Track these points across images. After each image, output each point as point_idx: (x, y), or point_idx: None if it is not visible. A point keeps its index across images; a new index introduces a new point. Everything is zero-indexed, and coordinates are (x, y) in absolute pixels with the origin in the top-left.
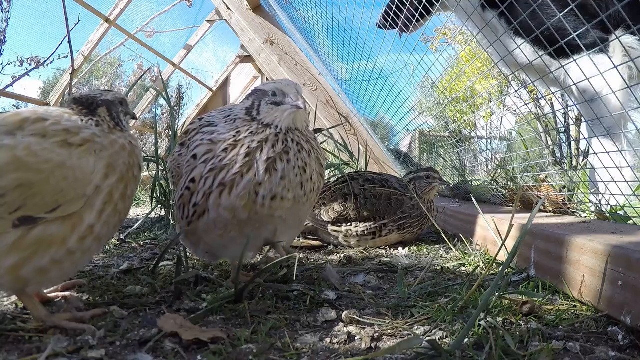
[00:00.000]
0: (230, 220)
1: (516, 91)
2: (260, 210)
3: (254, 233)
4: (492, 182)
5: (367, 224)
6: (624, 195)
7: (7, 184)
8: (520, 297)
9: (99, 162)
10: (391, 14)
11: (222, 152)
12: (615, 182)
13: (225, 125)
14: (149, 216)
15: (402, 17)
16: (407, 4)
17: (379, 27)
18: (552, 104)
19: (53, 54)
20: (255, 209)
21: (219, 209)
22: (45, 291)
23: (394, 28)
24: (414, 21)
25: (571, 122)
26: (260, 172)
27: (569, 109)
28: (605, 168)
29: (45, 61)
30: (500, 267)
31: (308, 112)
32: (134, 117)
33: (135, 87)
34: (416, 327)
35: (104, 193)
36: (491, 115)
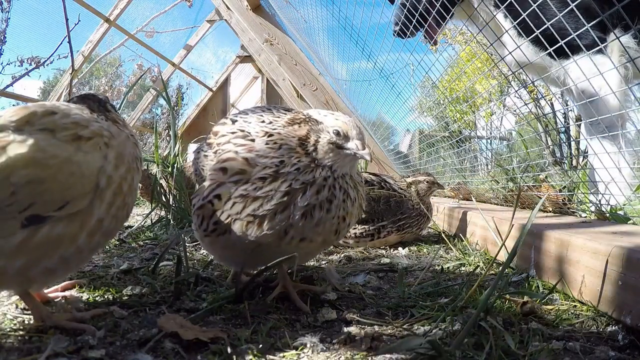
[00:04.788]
0: (252, 248)
1: (516, 91)
2: (286, 248)
3: (273, 257)
4: (492, 182)
5: (365, 226)
6: (624, 195)
7: (18, 180)
8: (520, 297)
9: (110, 152)
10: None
11: (258, 180)
12: (615, 182)
13: (265, 146)
14: (149, 216)
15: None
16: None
17: (398, 35)
18: (552, 104)
19: (53, 54)
20: (281, 245)
21: (242, 236)
22: (45, 291)
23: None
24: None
25: (571, 122)
26: (295, 217)
27: (569, 108)
28: (605, 168)
29: (45, 61)
30: (500, 267)
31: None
32: None
33: (135, 87)
34: (416, 327)
35: (115, 184)
36: (491, 115)
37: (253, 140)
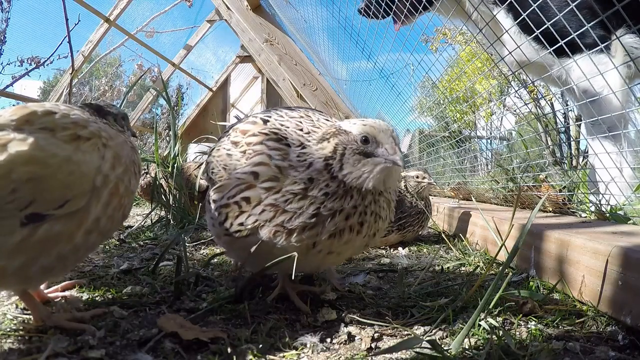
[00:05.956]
0: (275, 253)
1: (516, 91)
2: (313, 258)
3: (298, 264)
4: (492, 182)
5: None
6: (624, 196)
7: (19, 177)
8: (520, 297)
9: (108, 152)
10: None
11: (289, 193)
12: (615, 181)
13: (297, 159)
14: (149, 216)
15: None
16: None
17: (361, 13)
18: (552, 104)
19: (53, 54)
20: (308, 255)
21: (268, 242)
22: (45, 291)
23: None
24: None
25: (571, 122)
26: (323, 237)
27: (569, 108)
28: (605, 168)
29: (45, 61)
30: (500, 267)
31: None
32: (134, 135)
33: (135, 87)
34: (416, 327)
35: (111, 184)
36: (491, 115)
37: (288, 146)
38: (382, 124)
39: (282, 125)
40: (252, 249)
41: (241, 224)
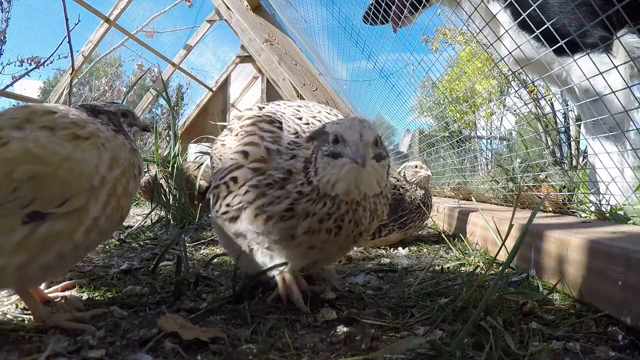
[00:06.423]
0: (261, 241)
1: (516, 91)
2: (296, 251)
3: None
4: (492, 182)
5: None
6: (624, 196)
7: (20, 176)
8: (520, 297)
9: (105, 153)
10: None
11: (271, 178)
12: (615, 182)
13: (287, 146)
14: (149, 216)
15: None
16: None
17: (365, 21)
18: (552, 104)
19: (53, 54)
20: (290, 246)
21: (251, 226)
22: (45, 291)
23: (378, 23)
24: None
25: (571, 122)
26: (298, 232)
27: (569, 108)
28: (606, 168)
29: (45, 61)
30: (500, 267)
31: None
32: (146, 129)
33: (135, 87)
34: (416, 327)
35: (109, 185)
36: (491, 115)
37: (282, 130)
38: (352, 121)
39: (277, 111)
40: (239, 242)
41: (228, 205)
